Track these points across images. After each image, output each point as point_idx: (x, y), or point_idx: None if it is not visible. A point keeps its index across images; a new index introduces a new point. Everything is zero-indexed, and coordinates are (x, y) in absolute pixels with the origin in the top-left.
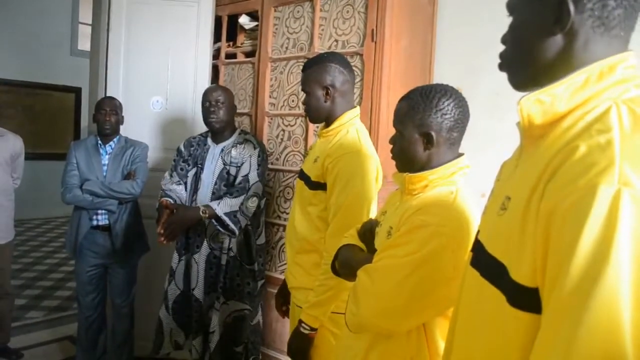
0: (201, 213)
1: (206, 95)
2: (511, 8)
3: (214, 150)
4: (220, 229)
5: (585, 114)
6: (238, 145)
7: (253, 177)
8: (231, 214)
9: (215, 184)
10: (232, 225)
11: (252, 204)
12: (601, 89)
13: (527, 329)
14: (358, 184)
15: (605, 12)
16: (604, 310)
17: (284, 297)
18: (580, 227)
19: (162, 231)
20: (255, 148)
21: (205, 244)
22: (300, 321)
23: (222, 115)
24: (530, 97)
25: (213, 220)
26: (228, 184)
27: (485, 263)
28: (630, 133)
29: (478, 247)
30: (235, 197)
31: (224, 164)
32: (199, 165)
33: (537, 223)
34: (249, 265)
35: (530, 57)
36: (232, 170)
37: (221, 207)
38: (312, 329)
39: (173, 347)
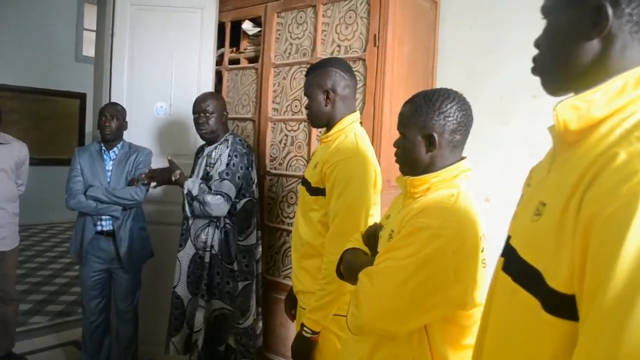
0: (173, 176)
1: (195, 106)
2: (546, 11)
3: (204, 154)
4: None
5: (622, 120)
6: (219, 146)
7: (215, 175)
8: (189, 195)
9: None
10: (186, 205)
11: (214, 201)
12: (639, 96)
13: (562, 336)
14: (355, 189)
15: None
16: None
17: (292, 301)
18: (623, 234)
19: (147, 171)
20: (227, 148)
21: (189, 242)
22: (303, 325)
23: (212, 125)
24: (566, 102)
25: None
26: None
27: (519, 269)
28: None
29: (510, 252)
30: (202, 187)
31: (206, 166)
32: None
33: (576, 230)
34: (228, 264)
35: (566, 62)
36: (210, 170)
37: (188, 185)
38: (314, 333)
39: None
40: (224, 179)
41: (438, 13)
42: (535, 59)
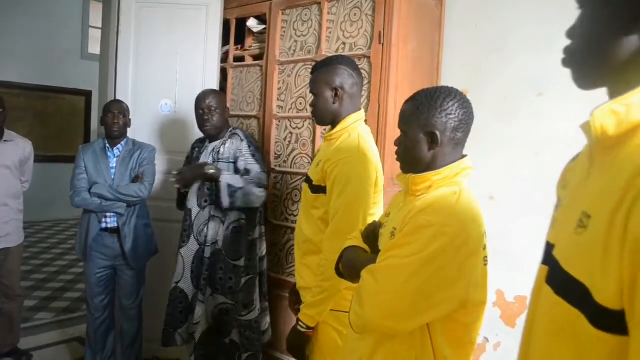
0: (207, 169)
1: (198, 103)
2: (582, 1)
3: (208, 149)
4: (217, 198)
5: None
6: (228, 140)
7: (255, 168)
8: (232, 187)
9: (242, 176)
10: (226, 197)
11: (260, 194)
12: None
13: (613, 350)
14: (354, 188)
15: None
16: None
17: (296, 296)
18: None
19: (175, 173)
20: (242, 141)
21: (192, 238)
22: (298, 319)
23: (215, 121)
24: (604, 107)
25: (215, 185)
26: None
27: (563, 282)
28: None
29: (553, 263)
30: (247, 179)
31: (213, 161)
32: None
33: (624, 244)
34: (233, 260)
35: (600, 56)
36: (222, 165)
37: (226, 177)
38: (309, 328)
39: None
40: (262, 172)
41: (443, 11)
42: (567, 51)
